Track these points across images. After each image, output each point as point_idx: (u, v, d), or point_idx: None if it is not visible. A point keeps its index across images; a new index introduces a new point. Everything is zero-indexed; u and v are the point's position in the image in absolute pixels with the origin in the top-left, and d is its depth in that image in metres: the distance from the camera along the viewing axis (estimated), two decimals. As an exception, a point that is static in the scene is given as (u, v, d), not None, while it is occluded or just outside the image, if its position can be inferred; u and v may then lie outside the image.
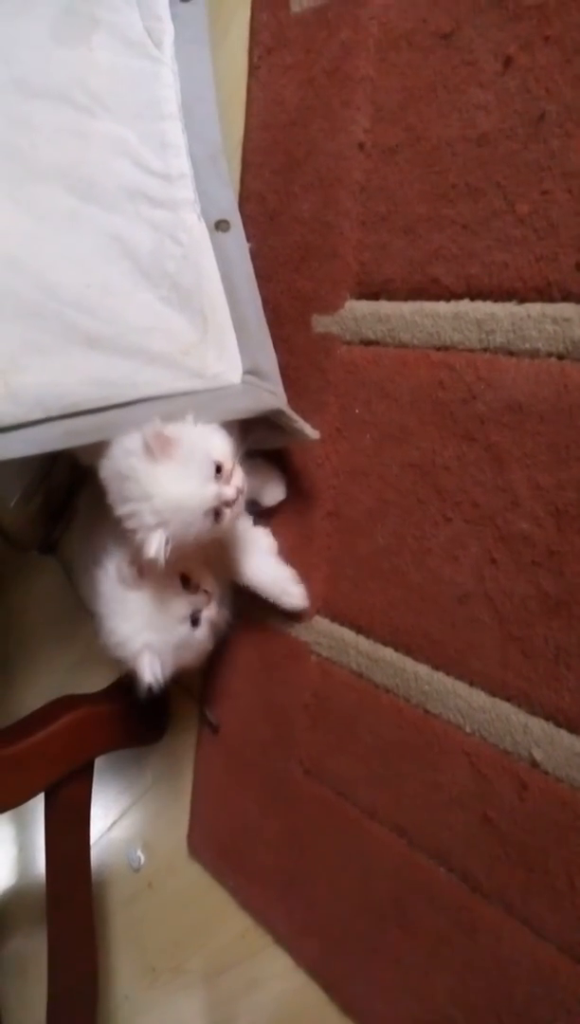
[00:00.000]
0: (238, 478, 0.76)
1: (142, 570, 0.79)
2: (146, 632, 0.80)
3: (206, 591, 0.85)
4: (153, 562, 0.71)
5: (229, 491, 0.75)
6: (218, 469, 0.74)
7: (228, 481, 0.75)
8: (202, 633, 0.85)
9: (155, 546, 0.71)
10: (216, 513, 0.75)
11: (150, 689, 0.80)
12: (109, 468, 0.76)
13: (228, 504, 0.75)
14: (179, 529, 0.72)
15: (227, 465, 0.75)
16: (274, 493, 0.89)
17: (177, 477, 0.72)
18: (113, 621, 0.81)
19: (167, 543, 0.71)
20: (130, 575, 0.80)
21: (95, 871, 1.17)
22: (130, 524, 0.73)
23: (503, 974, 0.69)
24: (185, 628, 0.83)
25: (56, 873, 1.12)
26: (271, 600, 0.89)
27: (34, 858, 1.58)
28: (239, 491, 0.76)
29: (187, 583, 0.83)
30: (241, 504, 0.77)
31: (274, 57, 0.84)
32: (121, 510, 0.74)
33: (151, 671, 0.80)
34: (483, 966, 0.71)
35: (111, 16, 0.88)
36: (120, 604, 0.81)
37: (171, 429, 0.72)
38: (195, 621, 0.83)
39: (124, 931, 1.32)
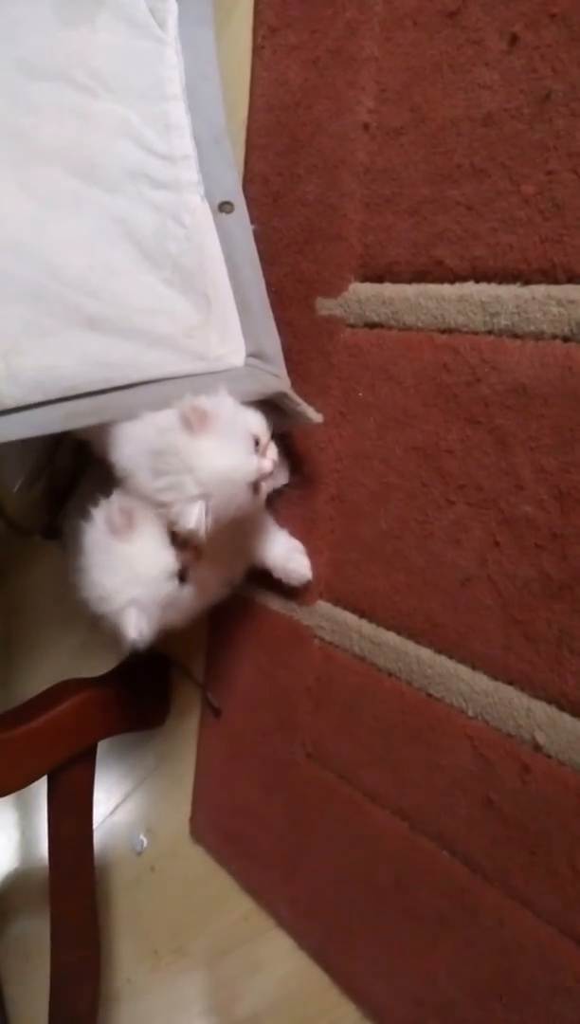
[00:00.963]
0: (273, 451, 0.77)
1: (132, 519, 0.77)
2: (132, 587, 0.77)
3: (195, 547, 0.81)
4: (193, 533, 0.71)
5: (267, 463, 0.76)
6: (255, 442, 0.75)
7: (264, 454, 0.76)
8: (189, 591, 0.82)
9: (196, 516, 0.70)
10: (255, 486, 0.75)
11: (134, 647, 0.77)
12: (134, 451, 0.75)
13: (264, 477, 0.76)
14: (222, 501, 0.72)
15: (263, 439, 0.76)
16: (277, 477, 0.89)
17: (220, 449, 0.71)
18: (97, 573, 0.78)
19: (207, 514, 0.71)
20: (120, 523, 0.77)
21: (98, 855, 1.18)
22: (168, 496, 0.72)
23: (504, 956, 0.69)
24: (172, 585, 0.79)
25: (59, 856, 1.12)
26: (276, 572, 0.89)
27: (37, 842, 1.59)
28: (275, 464, 0.77)
29: (174, 538, 0.80)
30: (274, 478, 0.79)
31: (278, 37, 0.83)
32: (156, 484, 0.73)
33: (136, 627, 0.77)
34: (484, 948, 0.71)
35: (114, -4, 0.87)
36: (105, 556, 0.78)
37: (208, 403, 0.72)
38: (182, 578, 0.81)
39: (126, 914, 1.33)
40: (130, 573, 0.78)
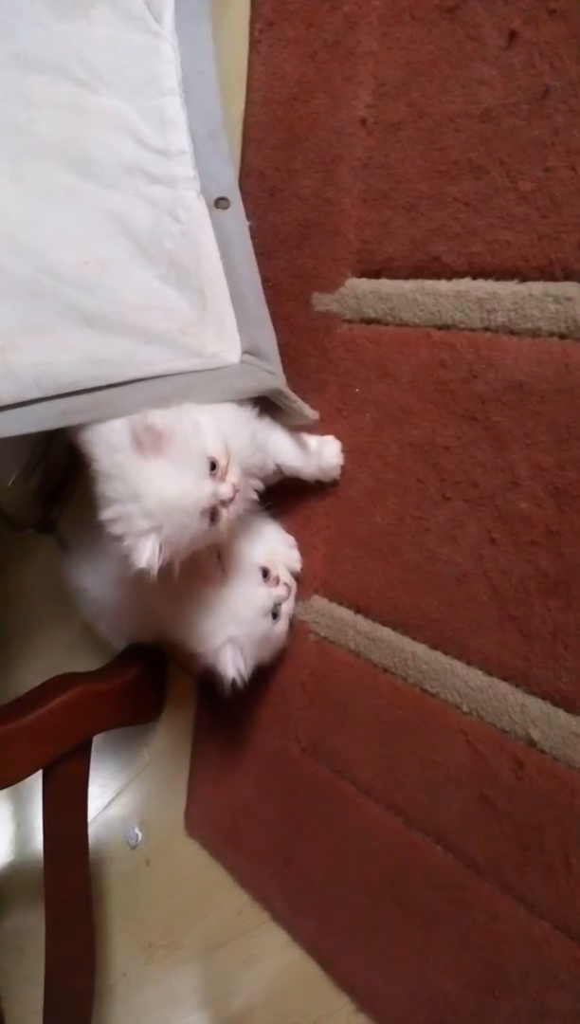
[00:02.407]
0: (234, 474, 0.72)
1: (226, 565, 0.79)
2: (230, 626, 0.79)
3: (286, 584, 0.84)
4: (145, 572, 0.66)
5: (225, 489, 0.70)
6: (213, 466, 0.70)
7: (223, 478, 0.71)
8: (281, 627, 0.85)
9: (147, 554, 0.66)
10: (212, 514, 0.70)
11: (234, 684, 0.80)
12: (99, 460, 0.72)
13: (224, 503, 0.71)
14: (173, 533, 0.67)
15: (222, 461, 0.71)
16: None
17: (169, 474, 0.67)
18: (194, 615, 0.80)
19: (160, 549, 0.67)
20: (216, 571, 0.79)
21: (93, 848, 1.18)
22: (117, 529, 0.68)
23: (497, 950, 0.70)
24: (267, 622, 0.82)
25: (54, 850, 1.12)
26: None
27: (32, 835, 1.59)
28: (236, 489, 0.71)
29: (266, 575, 0.83)
30: (239, 504, 0.74)
31: (276, 31, 0.83)
32: (106, 514, 0.69)
33: (234, 665, 0.79)
34: (478, 942, 0.71)
35: (111, -11, 0.86)
36: (201, 598, 0.80)
37: (161, 421, 0.68)
38: (275, 615, 0.83)
39: (122, 907, 1.33)
40: (227, 613, 0.79)
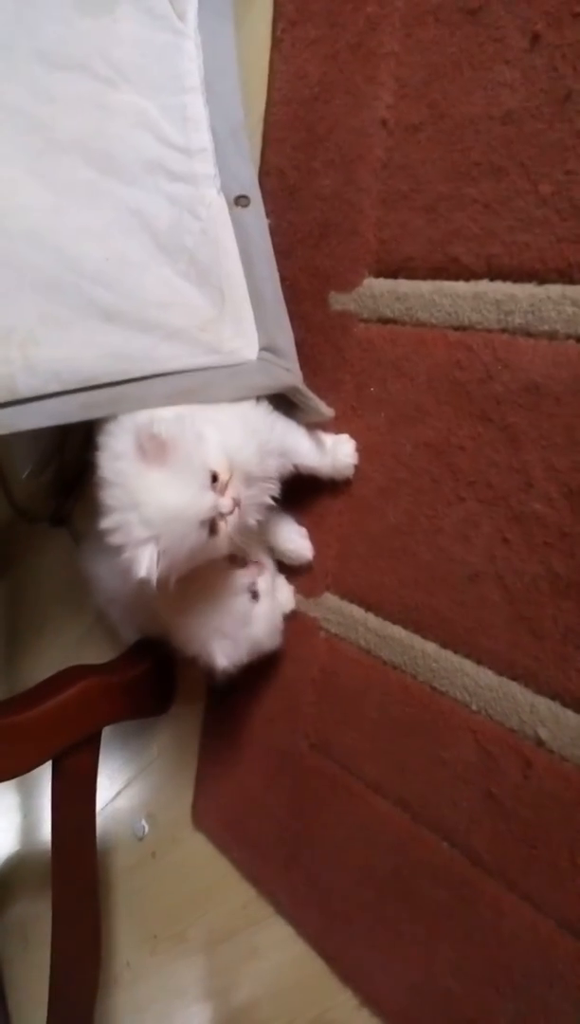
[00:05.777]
0: (235, 488, 0.72)
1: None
2: (210, 616, 0.80)
3: (256, 562, 0.85)
4: (145, 582, 0.66)
5: (225, 502, 0.70)
6: (214, 478, 0.70)
7: (223, 491, 0.71)
8: (266, 606, 0.85)
9: (145, 563, 0.66)
10: (211, 525, 0.70)
11: (225, 673, 0.81)
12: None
13: (223, 516, 0.71)
14: (172, 542, 0.67)
15: (223, 475, 0.71)
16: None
17: (169, 484, 0.67)
18: (181, 617, 0.81)
19: (158, 558, 0.67)
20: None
21: (99, 840, 1.19)
22: (117, 539, 0.68)
23: (502, 947, 0.70)
24: (245, 603, 0.83)
25: (61, 840, 1.13)
26: (276, 553, 0.90)
27: (39, 825, 1.61)
28: (236, 502, 0.71)
29: (233, 559, 0.83)
30: (238, 517, 0.73)
31: (298, 30, 0.83)
32: (106, 523, 0.69)
33: (222, 655, 0.80)
34: (482, 939, 0.72)
35: (135, -13, 0.87)
36: (187, 601, 0.80)
37: (166, 430, 0.67)
38: (254, 595, 0.84)
39: (127, 899, 1.34)
40: (206, 605, 0.80)
